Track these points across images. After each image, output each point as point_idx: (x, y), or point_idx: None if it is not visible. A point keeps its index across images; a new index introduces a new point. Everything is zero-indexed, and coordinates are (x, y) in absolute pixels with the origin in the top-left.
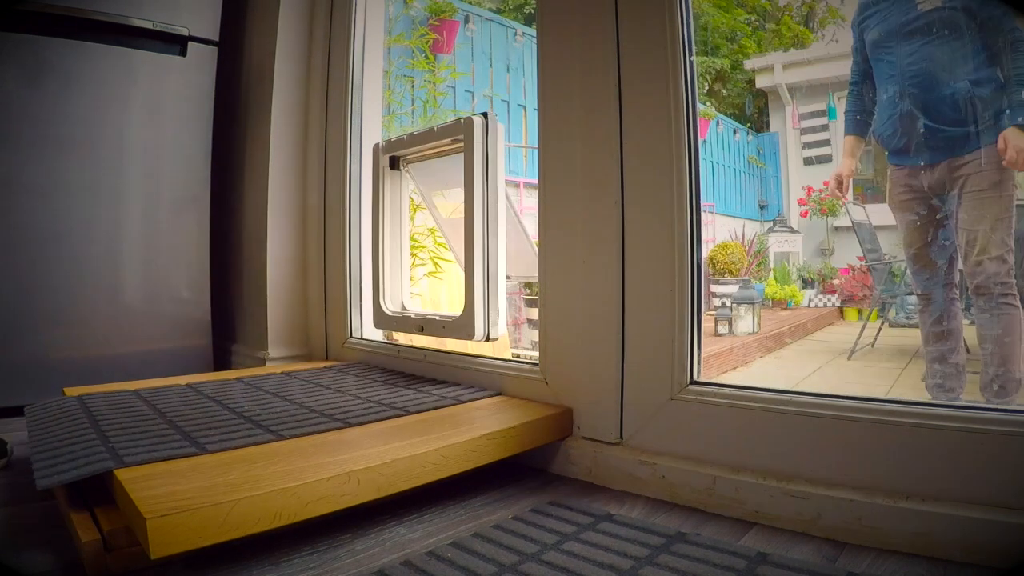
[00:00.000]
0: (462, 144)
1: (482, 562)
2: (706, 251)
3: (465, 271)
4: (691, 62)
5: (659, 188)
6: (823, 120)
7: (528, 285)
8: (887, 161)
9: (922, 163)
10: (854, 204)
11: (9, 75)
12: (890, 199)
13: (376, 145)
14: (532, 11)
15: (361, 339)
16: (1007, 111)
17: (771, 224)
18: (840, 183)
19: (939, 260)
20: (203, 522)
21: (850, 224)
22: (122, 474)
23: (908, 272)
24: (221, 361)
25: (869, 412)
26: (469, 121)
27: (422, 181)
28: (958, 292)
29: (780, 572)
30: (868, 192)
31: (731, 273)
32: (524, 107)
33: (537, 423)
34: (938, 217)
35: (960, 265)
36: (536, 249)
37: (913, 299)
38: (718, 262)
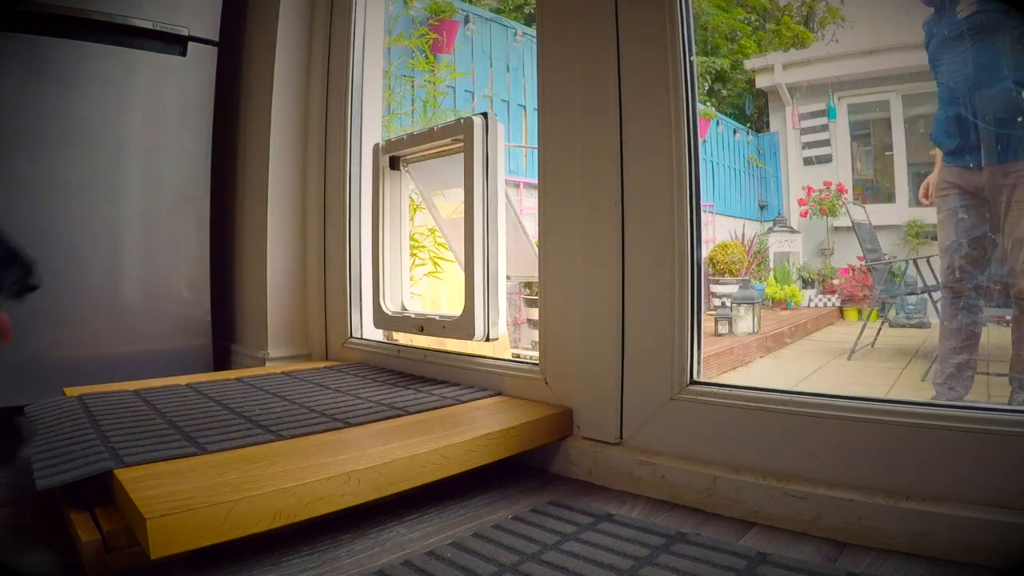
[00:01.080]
0: (462, 144)
1: (482, 562)
2: (706, 251)
3: (465, 271)
4: (691, 62)
5: (659, 188)
6: (823, 120)
7: (528, 285)
8: (943, 162)
9: (971, 164)
10: (854, 204)
11: (9, 75)
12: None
13: (376, 145)
14: (532, 11)
15: (361, 339)
16: None
17: (771, 224)
18: (928, 192)
19: (972, 256)
20: (203, 522)
21: (850, 224)
22: (122, 474)
23: (941, 263)
24: (221, 361)
25: (869, 412)
26: (469, 121)
27: (422, 181)
28: (981, 291)
29: (780, 572)
30: (868, 192)
31: (731, 273)
32: (524, 107)
33: (537, 423)
34: (975, 216)
35: (988, 270)
36: (536, 249)
37: (913, 299)
38: (718, 262)
